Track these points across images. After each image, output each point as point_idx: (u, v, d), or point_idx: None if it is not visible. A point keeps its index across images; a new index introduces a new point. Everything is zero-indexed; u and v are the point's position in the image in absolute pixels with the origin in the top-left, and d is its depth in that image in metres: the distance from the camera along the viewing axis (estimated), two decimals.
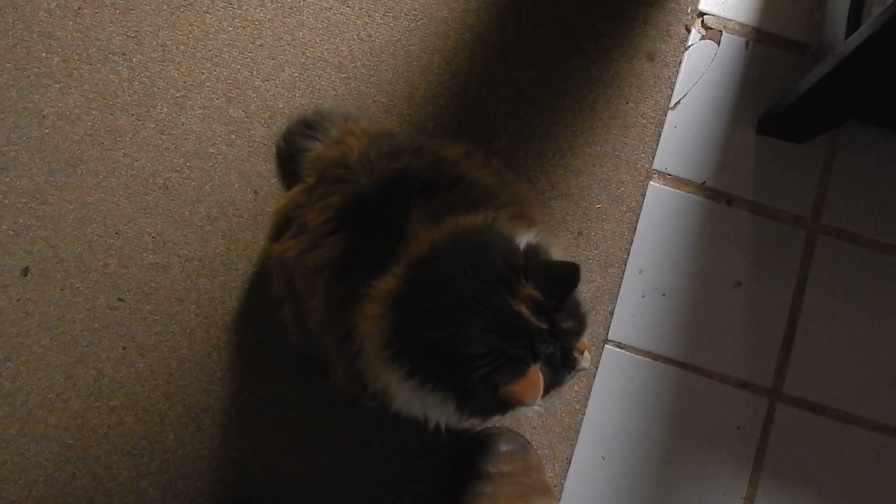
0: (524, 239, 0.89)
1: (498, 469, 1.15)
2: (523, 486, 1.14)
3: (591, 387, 1.30)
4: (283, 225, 1.05)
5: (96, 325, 1.29)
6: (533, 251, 0.87)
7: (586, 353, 0.87)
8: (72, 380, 1.27)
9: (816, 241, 1.35)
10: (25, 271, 1.29)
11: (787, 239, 1.35)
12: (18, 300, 1.28)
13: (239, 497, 1.24)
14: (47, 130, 1.33)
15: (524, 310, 0.80)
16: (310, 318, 1.00)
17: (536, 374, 0.80)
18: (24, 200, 1.30)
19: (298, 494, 1.25)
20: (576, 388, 1.30)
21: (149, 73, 1.36)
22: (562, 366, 0.85)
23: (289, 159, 1.25)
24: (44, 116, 1.33)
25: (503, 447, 1.18)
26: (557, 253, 0.98)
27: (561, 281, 0.82)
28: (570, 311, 0.84)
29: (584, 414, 1.30)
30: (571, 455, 1.28)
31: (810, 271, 1.34)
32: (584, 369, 0.89)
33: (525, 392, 0.79)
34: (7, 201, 1.30)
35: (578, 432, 1.29)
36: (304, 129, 1.22)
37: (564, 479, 1.28)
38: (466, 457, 1.19)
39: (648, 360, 1.32)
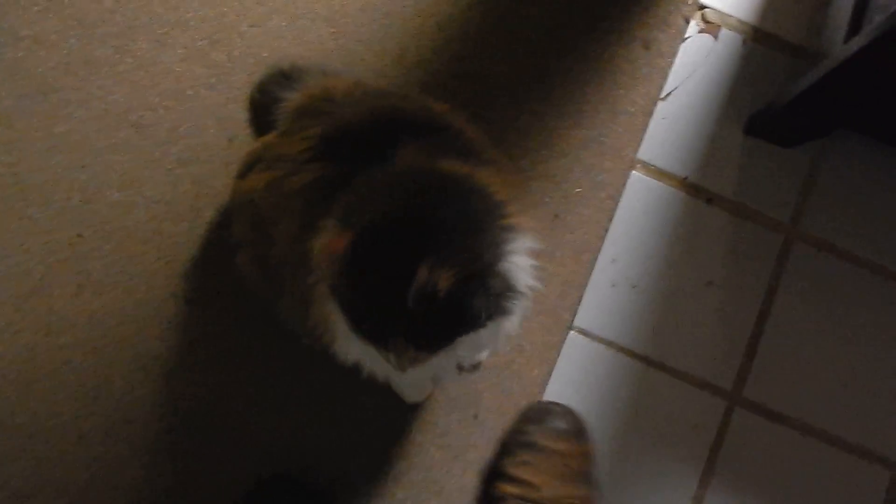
0: (518, 244, 0.88)
1: (549, 444, 1.21)
2: (569, 470, 1.20)
3: (551, 372, 1.36)
4: (252, 164, 1.08)
5: (52, 259, 1.33)
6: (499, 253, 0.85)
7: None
8: (22, 313, 1.31)
9: (792, 249, 1.42)
10: None
11: (763, 243, 1.42)
12: None
13: (184, 446, 1.29)
14: (21, 53, 1.37)
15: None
16: (272, 251, 1.03)
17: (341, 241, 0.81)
18: None
19: (245, 448, 1.30)
20: (535, 371, 1.36)
21: (132, 6, 1.40)
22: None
23: (262, 109, 1.28)
24: (19, 38, 1.37)
25: (561, 424, 1.24)
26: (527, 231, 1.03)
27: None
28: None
29: (541, 399, 1.36)
30: None
31: (783, 278, 1.41)
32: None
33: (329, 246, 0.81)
34: None
35: None
36: (280, 80, 1.25)
37: None
38: (521, 425, 1.24)
39: (612, 350, 1.38)
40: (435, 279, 0.78)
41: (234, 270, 1.18)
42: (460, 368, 1.30)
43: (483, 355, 1.29)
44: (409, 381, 1.13)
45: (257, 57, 1.40)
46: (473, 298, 0.80)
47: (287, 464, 1.30)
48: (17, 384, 1.29)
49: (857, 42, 1.14)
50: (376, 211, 0.84)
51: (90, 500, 1.28)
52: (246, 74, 1.39)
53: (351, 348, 0.96)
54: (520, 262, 0.87)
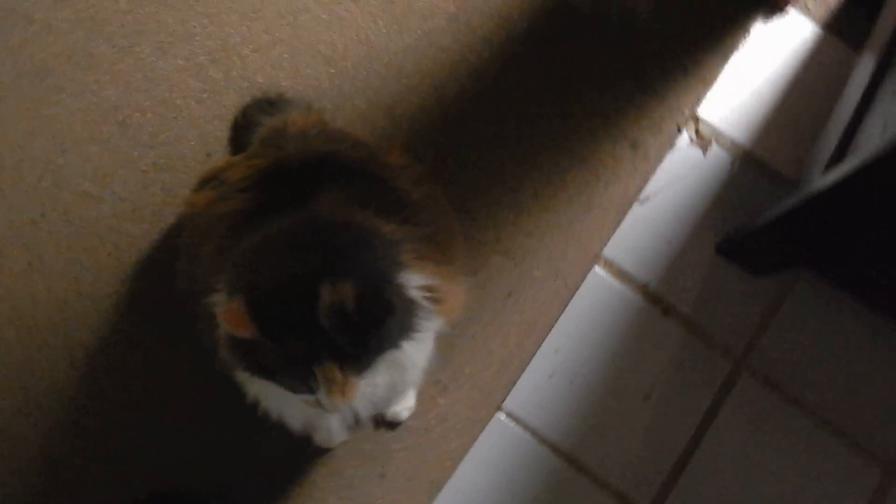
0: (411, 279, 0.93)
1: None
2: None
3: (469, 448, 1.36)
4: (208, 180, 1.13)
5: (10, 234, 1.37)
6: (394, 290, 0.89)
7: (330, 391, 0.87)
8: None
9: (739, 379, 1.41)
10: None
11: (710, 366, 1.41)
12: None
13: (84, 442, 1.31)
14: (29, 36, 1.43)
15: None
16: (198, 267, 1.06)
17: (237, 309, 0.83)
18: None
19: (143, 462, 1.31)
20: (454, 444, 1.36)
21: (144, 11, 1.46)
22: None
23: (242, 130, 1.33)
24: (31, 21, 1.44)
25: None
26: (455, 301, 1.05)
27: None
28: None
29: (452, 472, 1.35)
30: None
31: (723, 407, 1.39)
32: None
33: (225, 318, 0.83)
34: None
35: (440, 490, 1.34)
36: (264, 106, 1.31)
37: None
38: None
39: (535, 441, 1.37)
40: (339, 293, 0.82)
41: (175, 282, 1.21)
42: (379, 423, 1.32)
43: (405, 412, 1.31)
44: (326, 425, 1.14)
45: (252, 81, 1.45)
46: (382, 294, 0.85)
47: (183, 483, 1.30)
48: None
49: (828, 178, 1.14)
50: (262, 269, 0.88)
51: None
52: (237, 96, 1.44)
53: (251, 386, 0.99)
54: (413, 294, 0.91)
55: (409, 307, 0.90)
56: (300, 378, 0.85)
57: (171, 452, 1.31)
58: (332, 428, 1.10)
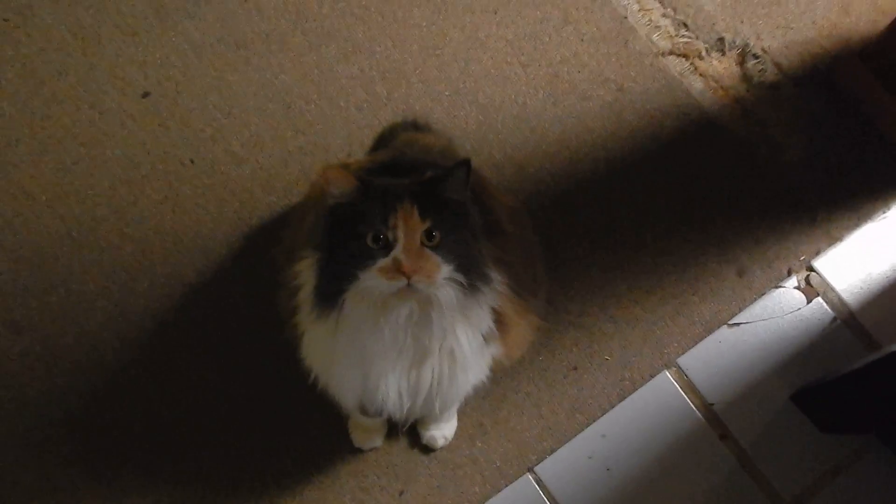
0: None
1: None
2: None
3: (489, 498, 1.39)
4: (334, 166, 1.27)
5: (161, 167, 1.54)
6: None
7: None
8: (112, 192, 1.52)
9: None
10: (145, 94, 1.59)
11: None
12: (128, 115, 1.57)
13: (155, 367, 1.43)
14: (240, 11, 1.65)
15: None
16: (298, 235, 1.18)
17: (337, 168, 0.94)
18: (183, 51, 1.62)
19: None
20: (476, 488, 1.39)
21: (341, 20, 1.65)
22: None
23: (383, 142, 1.47)
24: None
25: None
26: (518, 335, 1.11)
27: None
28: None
29: None
30: None
31: None
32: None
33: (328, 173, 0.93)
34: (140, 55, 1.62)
35: None
36: (409, 127, 1.45)
37: None
38: None
39: None
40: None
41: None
42: (414, 444, 1.37)
43: (441, 440, 1.36)
44: (379, 395, 1.16)
45: (409, 106, 1.60)
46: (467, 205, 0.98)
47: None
48: (71, 243, 1.49)
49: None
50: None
51: (89, 343, 1.43)
52: (392, 114, 1.59)
53: (314, 356, 1.08)
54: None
55: (485, 262, 0.98)
56: (382, 215, 0.92)
57: (221, 385, 1.41)
58: (389, 394, 1.06)
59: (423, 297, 0.94)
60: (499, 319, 1.04)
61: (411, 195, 0.93)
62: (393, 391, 1.04)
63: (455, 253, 0.94)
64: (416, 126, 1.49)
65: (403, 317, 0.96)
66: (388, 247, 0.92)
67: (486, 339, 1.04)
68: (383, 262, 0.92)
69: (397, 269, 0.91)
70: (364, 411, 1.30)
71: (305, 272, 1.03)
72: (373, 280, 0.92)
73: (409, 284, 0.91)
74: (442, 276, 0.93)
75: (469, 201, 0.99)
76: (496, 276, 1.01)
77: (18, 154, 1.54)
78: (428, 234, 0.93)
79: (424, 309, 0.96)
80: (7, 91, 1.57)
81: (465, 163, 0.95)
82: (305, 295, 1.03)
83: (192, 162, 1.55)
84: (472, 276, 0.96)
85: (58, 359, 1.42)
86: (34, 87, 1.58)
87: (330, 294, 0.96)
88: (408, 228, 0.92)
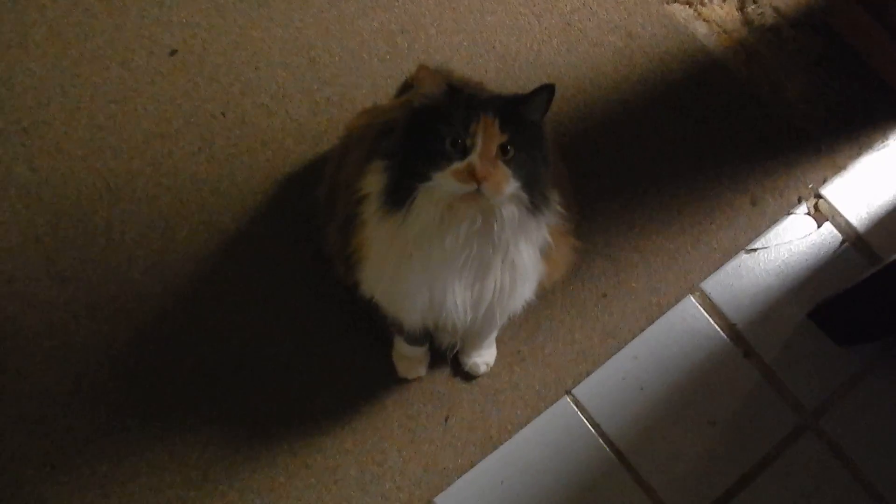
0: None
1: None
2: None
3: (530, 420, 1.46)
4: (367, 110, 1.37)
5: (193, 119, 1.60)
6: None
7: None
8: (146, 146, 1.57)
9: (803, 436, 1.48)
10: (173, 52, 1.65)
11: (778, 416, 1.48)
12: (157, 72, 1.62)
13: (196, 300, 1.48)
14: None
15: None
16: (343, 172, 1.25)
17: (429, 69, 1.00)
18: (207, 11, 1.68)
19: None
20: (518, 411, 1.46)
21: None
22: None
23: (407, 90, 1.54)
24: None
25: None
26: (561, 258, 1.18)
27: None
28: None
29: (510, 436, 1.45)
30: (476, 462, 1.43)
31: (780, 458, 1.46)
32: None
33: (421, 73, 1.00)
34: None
35: (495, 449, 1.44)
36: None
37: (459, 476, 1.43)
38: None
39: (594, 433, 1.46)
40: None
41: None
42: (457, 371, 1.44)
43: (483, 366, 1.43)
44: (447, 307, 1.14)
45: (430, 55, 1.67)
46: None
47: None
48: (109, 196, 1.53)
49: None
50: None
51: (132, 290, 1.48)
52: (413, 64, 1.66)
53: (377, 281, 1.13)
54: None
55: (548, 186, 1.06)
56: (465, 120, 0.97)
57: (263, 327, 1.47)
58: (456, 303, 1.10)
59: (488, 207, 1.00)
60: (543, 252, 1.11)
61: (494, 108, 0.99)
62: (459, 300, 1.09)
63: (524, 170, 1.00)
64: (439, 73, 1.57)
65: (467, 225, 1.01)
66: (464, 152, 0.98)
67: (542, 253, 1.10)
68: (458, 164, 0.97)
69: (470, 173, 0.96)
70: (412, 339, 1.38)
71: (373, 180, 1.08)
72: (445, 180, 0.98)
73: (478, 190, 0.96)
74: (509, 189, 0.98)
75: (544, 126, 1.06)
76: (554, 198, 1.09)
77: (51, 112, 1.58)
78: (503, 148, 0.99)
79: (488, 221, 1.01)
80: (35, 53, 1.62)
81: (550, 87, 1.01)
82: (372, 201, 1.08)
83: (223, 115, 1.61)
84: (535, 195, 1.03)
85: (102, 307, 1.47)
86: (61, 48, 1.63)
87: (400, 193, 1.02)
88: (486, 137, 0.97)
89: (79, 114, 1.58)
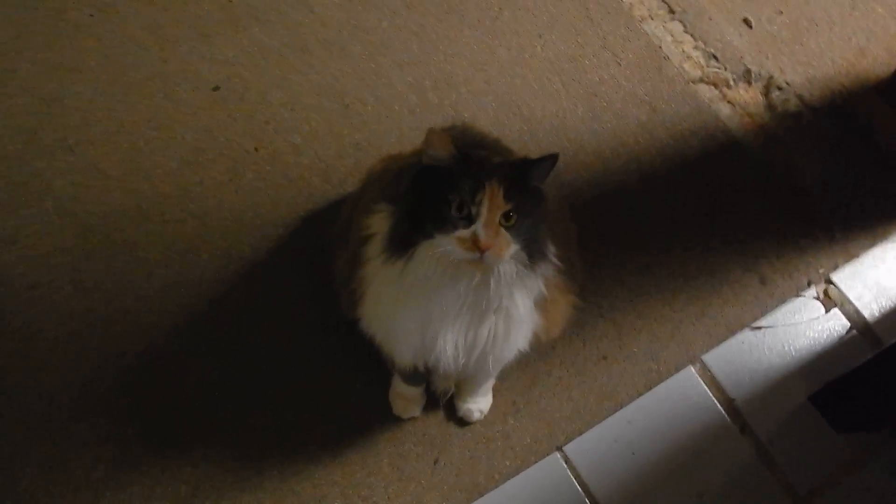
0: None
1: None
2: None
3: (519, 472, 1.48)
4: (390, 156, 1.43)
5: (227, 153, 1.69)
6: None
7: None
8: (180, 175, 1.65)
9: None
10: (216, 88, 1.75)
11: (769, 497, 1.48)
12: (199, 105, 1.72)
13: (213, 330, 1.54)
14: (305, 20, 1.82)
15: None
16: (359, 211, 1.31)
17: (441, 133, 1.02)
18: (252, 53, 1.79)
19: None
20: (507, 462, 1.48)
21: (397, 34, 1.82)
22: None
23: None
24: (310, 10, 1.83)
25: None
26: (558, 314, 1.22)
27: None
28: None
29: (497, 486, 1.47)
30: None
31: None
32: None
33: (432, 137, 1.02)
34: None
35: (481, 496, 1.46)
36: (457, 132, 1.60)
37: None
38: None
39: (580, 490, 1.47)
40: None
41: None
42: (450, 417, 1.48)
43: (477, 413, 1.47)
44: (438, 347, 1.18)
45: (458, 113, 1.75)
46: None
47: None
48: (138, 215, 1.62)
49: None
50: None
51: (147, 306, 1.54)
52: (441, 119, 1.74)
53: (375, 314, 1.18)
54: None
55: (545, 242, 1.10)
56: (472, 189, 1.00)
57: (269, 353, 1.52)
58: (446, 348, 1.13)
59: (487, 267, 1.04)
60: (540, 305, 1.14)
61: (500, 176, 1.02)
62: (450, 346, 1.12)
63: (524, 234, 1.04)
64: (464, 131, 1.63)
65: (466, 281, 1.06)
66: (469, 219, 1.01)
67: (536, 303, 1.14)
68: (463, 232, 1.01)
69: (474, 242, 1.00)
70: (408, 378, 1.41)
71: (380, 220, 1.13)
72: (449, 245, 1.01)
73: (480, 257, 1.00)
74: (509, 253, 1.03)
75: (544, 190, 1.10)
76: (551, 250, 1.12)
77: (95, 133, 1.68)
78: (506, 215, 1.02)
79: (486, 277, 1.05)
80: (88, 77, 1.73)
81: (554, 156, 1.06)
82: (376, 242, 1.13)
83: (255, 150, 1.70)
84: (533, 254, 1.07)
85: (118, 319, 1.53)
86: (112, 75, 1.74)
87: (402, 242, 1.06)
88: (491, 206, 1.01)
89: (120, 137, 1.68)
